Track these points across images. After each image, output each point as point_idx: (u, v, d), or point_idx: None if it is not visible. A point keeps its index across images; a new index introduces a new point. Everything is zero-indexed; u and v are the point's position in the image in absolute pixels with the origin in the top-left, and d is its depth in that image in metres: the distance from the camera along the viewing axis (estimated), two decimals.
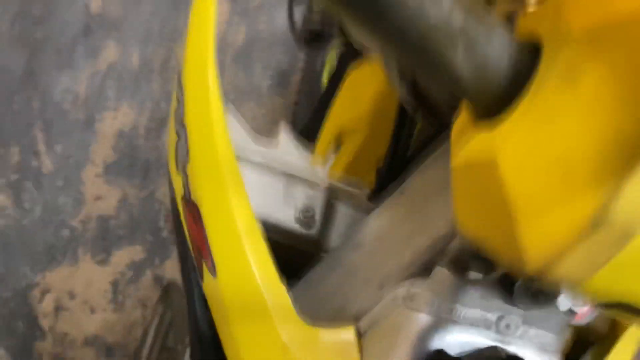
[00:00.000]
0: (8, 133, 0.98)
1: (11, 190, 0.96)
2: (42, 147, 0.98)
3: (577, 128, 0.17)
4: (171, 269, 1.00)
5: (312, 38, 0.53)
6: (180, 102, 0.34)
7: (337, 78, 0.57)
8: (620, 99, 0.17)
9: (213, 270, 0.30)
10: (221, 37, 1.06)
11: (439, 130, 0.32)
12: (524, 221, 0.18)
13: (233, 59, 1.06)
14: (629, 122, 0.17)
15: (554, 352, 0.26)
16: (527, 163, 0.18)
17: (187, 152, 0.33)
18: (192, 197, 0.32)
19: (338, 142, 0.50)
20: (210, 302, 0.31)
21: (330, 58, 0.87)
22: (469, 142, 0.21)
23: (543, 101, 0.18)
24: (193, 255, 0.33)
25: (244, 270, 0.29)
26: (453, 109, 0.23)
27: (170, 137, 0.36)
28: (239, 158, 0.35)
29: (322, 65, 0.91)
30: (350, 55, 0.55)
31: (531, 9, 0.23)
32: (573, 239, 0.17)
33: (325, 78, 0.88)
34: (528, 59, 0.19)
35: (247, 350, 0.28)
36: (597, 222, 0.17)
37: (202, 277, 0.32)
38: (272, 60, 1.09)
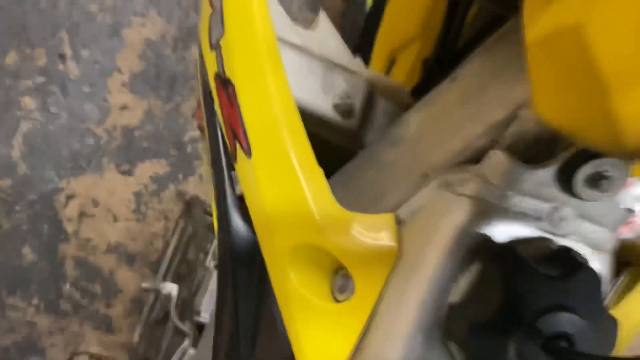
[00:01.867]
0: (34, 34, 0.96)
1: (38, 93, 0.95)
2: (68, 51, 0.96)
3: None
4: (194, 185, 1.00)
5: None
6: None
7: None
8: None
9: (248, 152, 0.29)
10: None
11: (495, 16, 0.29)
12: (621, 90, 0.16)
13: None
14: None
15: (606, 251, 0.25)
16: (620, 21, 0.16)
17: (222, 25, 0.31)
18: (227, 74, 0.30)
19: (391, 62, 0.47)
20: (242, 183, 0.30)
21: None
22: (548, 10, 0.18)
23: None
24: (225, 135, 0.31)
25: (279, 151, 0.27)
26: None
27: (203, 9, 0.34)
28: (276, 37, 0.32)
29: None
30: None
31: None
32: None
33: None
34: None
35: (278, 220, 0.26)
36: None
37: (235, 158, 0.30)
38: None
